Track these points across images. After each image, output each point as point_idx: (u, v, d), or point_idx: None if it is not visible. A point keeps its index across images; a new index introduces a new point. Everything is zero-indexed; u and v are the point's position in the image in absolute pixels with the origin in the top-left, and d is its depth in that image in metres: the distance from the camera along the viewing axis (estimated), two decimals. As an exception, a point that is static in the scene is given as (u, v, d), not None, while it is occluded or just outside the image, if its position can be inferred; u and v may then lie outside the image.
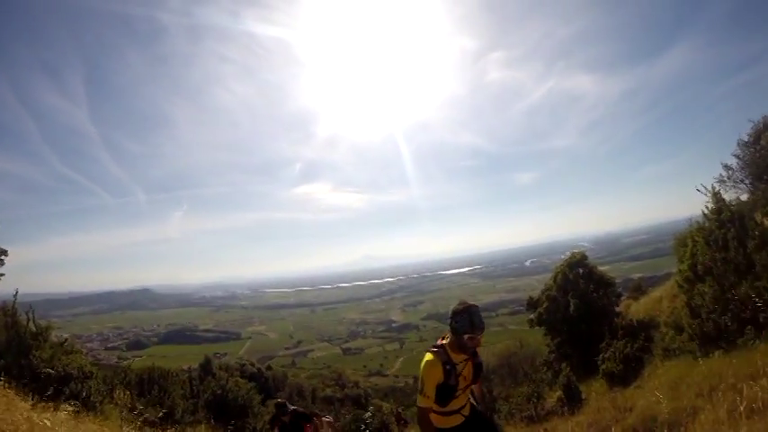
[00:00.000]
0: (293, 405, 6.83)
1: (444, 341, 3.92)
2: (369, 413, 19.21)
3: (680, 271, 10.07)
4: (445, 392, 3.87)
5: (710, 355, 7.64)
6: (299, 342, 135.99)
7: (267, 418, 8.21)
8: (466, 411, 4.18)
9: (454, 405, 4.04)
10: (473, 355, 3.99)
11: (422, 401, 3.82)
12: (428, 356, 3.84)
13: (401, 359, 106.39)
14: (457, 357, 3.86)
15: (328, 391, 50.77)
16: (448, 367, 3.80)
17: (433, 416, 3.93)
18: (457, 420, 4.14)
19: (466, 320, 3.72)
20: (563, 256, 19.55)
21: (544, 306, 17.48)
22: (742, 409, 4.58)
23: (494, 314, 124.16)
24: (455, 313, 3.80)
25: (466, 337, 3.72)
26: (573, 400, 11.11)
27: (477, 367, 4.07)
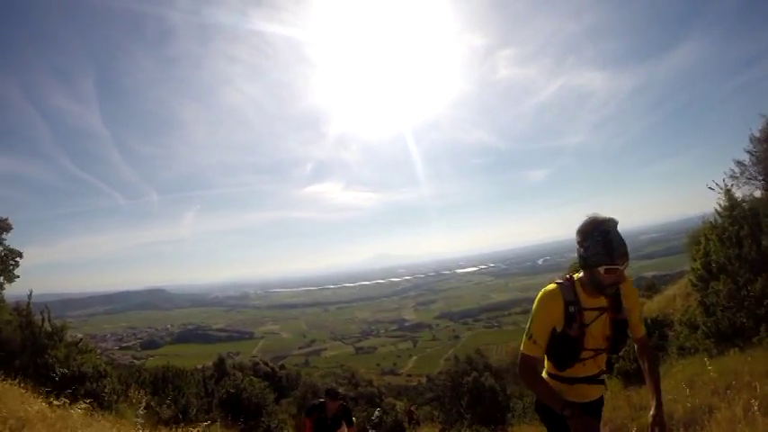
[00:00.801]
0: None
1: (576, 275, 2.69)
2: (377, 412, 19.06)
3: (693, 269, 9.95)
4: (564, 347, 2.61)
5: (726, 353, 7.56)
6: (312, 341, 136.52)
7: (290, 414, 7.94)
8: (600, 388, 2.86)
9: (579, 372, 2.73)
10: (614, 306, 2.62)
11: (526, 346, 2.62)
12: (549, 286, 2.66)
13: (414, 358, 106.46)
14: (588, 301, 2.59)
15: (342, 390, 50.81)
16: (571, 309, 2.55)
17: (552, 382, 2.78)
18: (593, 392, 2.81)
19: (599, 244, 2.42)
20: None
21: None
22: (757, 407, 4.52)
23: (506, 313, 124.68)
24: (582, 235, 2.52)
25: (602, 269, 2.42)
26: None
27: (620, 326, 2.66)
